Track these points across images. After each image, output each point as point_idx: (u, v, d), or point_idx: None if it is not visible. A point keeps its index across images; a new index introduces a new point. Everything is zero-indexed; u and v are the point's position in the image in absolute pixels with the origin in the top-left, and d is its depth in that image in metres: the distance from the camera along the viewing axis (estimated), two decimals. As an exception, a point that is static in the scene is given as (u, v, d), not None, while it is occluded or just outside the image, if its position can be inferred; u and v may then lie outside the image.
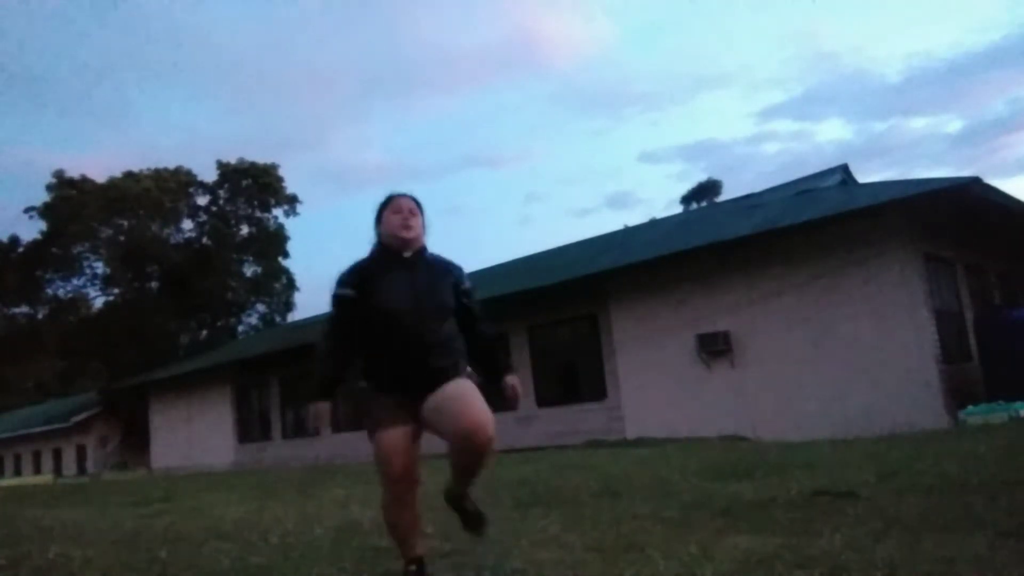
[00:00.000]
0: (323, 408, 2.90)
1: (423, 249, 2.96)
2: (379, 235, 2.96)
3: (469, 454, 2.65)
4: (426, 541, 3.20)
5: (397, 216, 2.90)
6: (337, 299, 2.90)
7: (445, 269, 2.96)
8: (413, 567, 2.82)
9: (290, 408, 18.45)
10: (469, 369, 2.93)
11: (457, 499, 2.91)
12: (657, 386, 11.73)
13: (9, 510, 7.92)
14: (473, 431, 2.58)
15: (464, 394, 2.70)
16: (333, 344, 2.90)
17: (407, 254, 2.89)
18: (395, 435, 2.72)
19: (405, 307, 2.78)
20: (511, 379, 2.99)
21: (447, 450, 2.72)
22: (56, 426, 27.62)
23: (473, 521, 2.95)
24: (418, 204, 2.99)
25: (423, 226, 2.97)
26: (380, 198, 3.02)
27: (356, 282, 2.86)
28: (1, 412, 37.41)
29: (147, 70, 68.32)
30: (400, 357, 2.78)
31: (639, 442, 10.52)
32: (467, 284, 2.99)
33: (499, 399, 2.99)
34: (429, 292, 2.84)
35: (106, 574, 3.61)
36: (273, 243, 37.59)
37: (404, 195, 3.00)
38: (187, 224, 37.66)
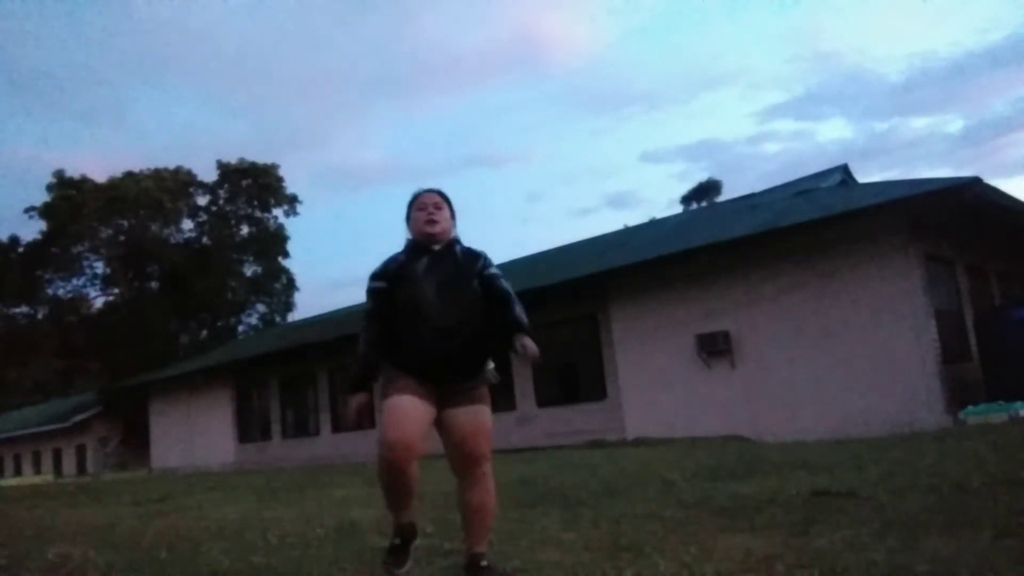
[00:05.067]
0: (361, 399, 2.92)
1: (453, 242, 3.03)
2: (410, 232, 3.05)
3: (464, 481, 2.87)
4: (418, 513, 3.15)
5: (422, 213, 2.99)
6: (370, 292, 2.98)
7: (472, 259, 3.00)
8: (398, 540, 2.85)
9: (290, 408, 18.45)
10: (492, 366, 2.98)
11: (474, 563, 2.84)
12: (657, 386, 11.73)
13: (9, 510, 7.93)
14: (470, 465, 2.86)
15: (474, 429, 2.85)
16: (370, 337, 2.96)
17: (436, 247, 2.97)
18: (406, 400, 2.73)
19: (429, 298, 2.84)
20: (523, 340, 2.89)
21: (456, 501, 2.91)
22: (56, 426, 27.60)
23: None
24: (444, 197, 3.07)
25: (451, 218, 3.05)
26: (408, 196, 3.10)
27: (387, 275, 2.95)
28: (1, 412, 37.40)
29: (147, 70, 68.34)
30: (423, 346, 2.81)
31: (639, 442, 10.52)
32: (492, 269, 3.00)
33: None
34: (454, 284, 2.89)
35: (106, 574, 3.61)
36: (273, 243, 37.62)
37: (429, 191, 3.08)
38: (187, 224, 37.72)
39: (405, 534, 2.88)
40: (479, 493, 2.85)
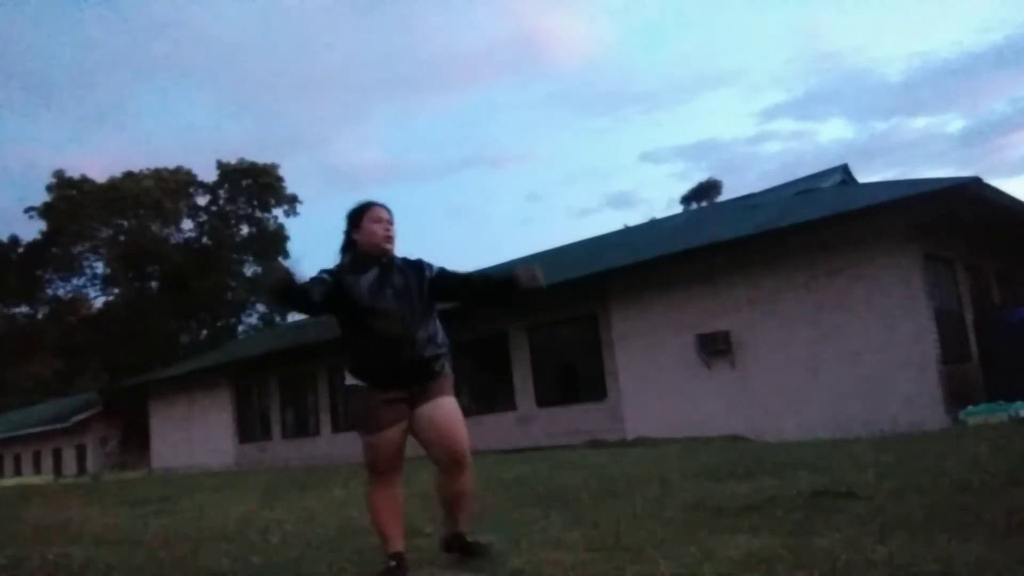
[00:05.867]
0: (285, 277, 2.76)
1: (393, 255, 3.12)
2: (354, 241, 3.07)
3: (450, 473, 3.00)
4: (418, 539, 3.29)
5: (379, 225, 3.04)
6: (317, 279, 2.91)
7: (416, 268, 3.10)
8: (394, 563, 2.94)
9: (290, 408, 18.45)
10: (447, 367, 3.12)
11: (457, 540, 3.10)
12: (657, 386, 11.73)
13: (9, 510, 7.93)
14: (455, 459, 2.97)
15: (451, 422, 2.98)
16: (312, 296, 2.84)
17: (384, 260, 3.04)
18: (389, 435, 2.95)
19: (388, 308, 2.94)
20: (526, 279, 3.03)
21: (434, 487, 3.11)
22: (56, 426, 27.58)
23: (481, 550, 3.10)
24: (391, 213, 3.16)
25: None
26: (353, 204, 3.13)
27: (338, 276, 2.97)
28: (1, 412, 37.39)
29: (147, 70, 68.34)
30: (389, 355, 2.92)
31: (639, 442, 10.52)
32: (435, 268, 3.14)
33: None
34: (408, 293, 3.00)
35: (106, 574, 3.61)
36: (273, 243, 37.61)
37: (381, 204, 3.13)
38: (187, 224, 37.76)
39: (401, 561, 2.98)
40: (464, 481, 3.03)
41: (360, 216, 3.06)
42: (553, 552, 3.23)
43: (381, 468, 3.00)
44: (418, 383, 2.96)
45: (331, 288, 2.91)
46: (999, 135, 66.15)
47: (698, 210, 30.90)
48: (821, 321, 10.22)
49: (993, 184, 9.69)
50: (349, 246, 3.09)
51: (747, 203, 15.25)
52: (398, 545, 3.00)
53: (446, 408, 2.97)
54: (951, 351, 9.82)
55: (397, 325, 2.91)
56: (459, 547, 3.11)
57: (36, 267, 34.44)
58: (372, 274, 2.98)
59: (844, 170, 15.62)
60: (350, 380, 3.02)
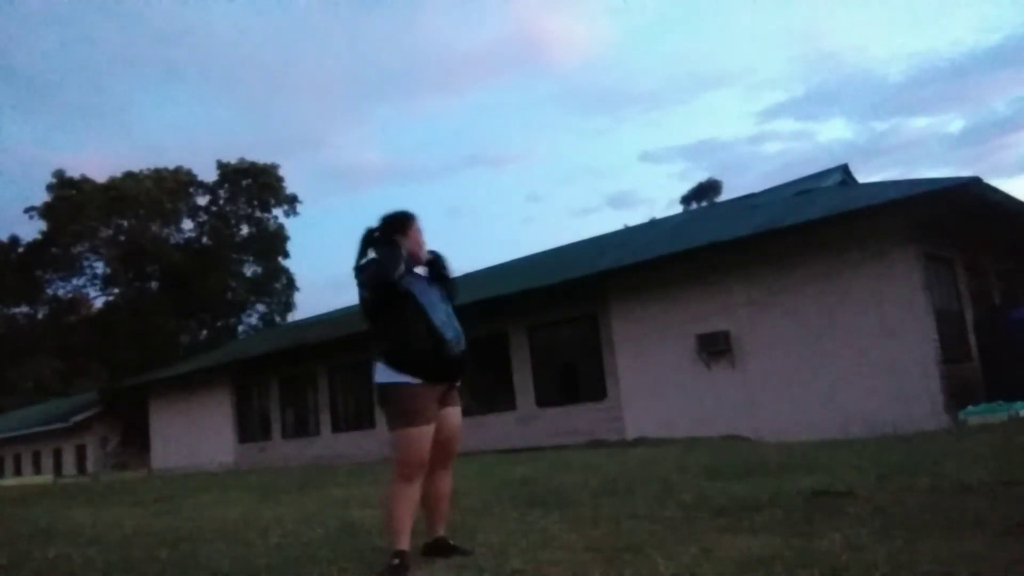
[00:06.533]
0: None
1: None
2: (396, 243, 3.27)
3: (441, 471, 3.32)
4: (418, 539, 3.35)
5: (422, 238, 3.38)
6: (387, 285, 3.16)
7: (435, 279, 3.42)
8: (396, 560, 3.01)
9: (290, 408, 18.45)
10: None
11: (441, 544, 3.29)
12: (657, 386, 11.73)
13: (9, 510, 7.93)
14: (450, 460, 3.38)
15: (460, 429, 3.35)
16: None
17: (414, 267, 3.35)
18: (429, 431, 3.14)
19: (441, 306, 3.24)
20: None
21: (422, 490, 3.25)
22: (56, 426, 27.55)
23: (465, 552, 3.29)
24: None
25: None
26: (397, 210, 3.40)
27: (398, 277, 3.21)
28: (1, 412, 37.39)
29: (147, 70, 68.34)
30: (443, 349, 3.14)
31: (639, 442, 10.52)
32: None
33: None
34: (448, 299, 3.32)
35: (106, 574, 3.61)
36: (273, 243, 37.57)
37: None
38: (187, 224, 37.69)
39: (404, 559, 3.03)
40: (449, 481, 3.38)
41: (408, 225, 3.35)
42: (553, 552, 3.23)
43: (417, 463, 3.11)
44: (456, 378, 3.25)
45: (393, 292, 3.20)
46: (999, 135, 66.14)
47: (698, 210, 30.90)
48: (821, 321, 10.22)
49: (993, 184, 9.71)
50: (383, 246, 3.30)
51: (747, 203, 15.25)
52: (404, 543, 3.05)
53: (459, 415, 3.33)
54: (951, 351, 9.82)
55: (447, 322, 3.18)
56: (443, 551, 3.24)
57: (36, 267, 34.39)
58: (423, 283, 3.28)
59: (844, 170, 15.61)
60: (393, 376, 3.12)
